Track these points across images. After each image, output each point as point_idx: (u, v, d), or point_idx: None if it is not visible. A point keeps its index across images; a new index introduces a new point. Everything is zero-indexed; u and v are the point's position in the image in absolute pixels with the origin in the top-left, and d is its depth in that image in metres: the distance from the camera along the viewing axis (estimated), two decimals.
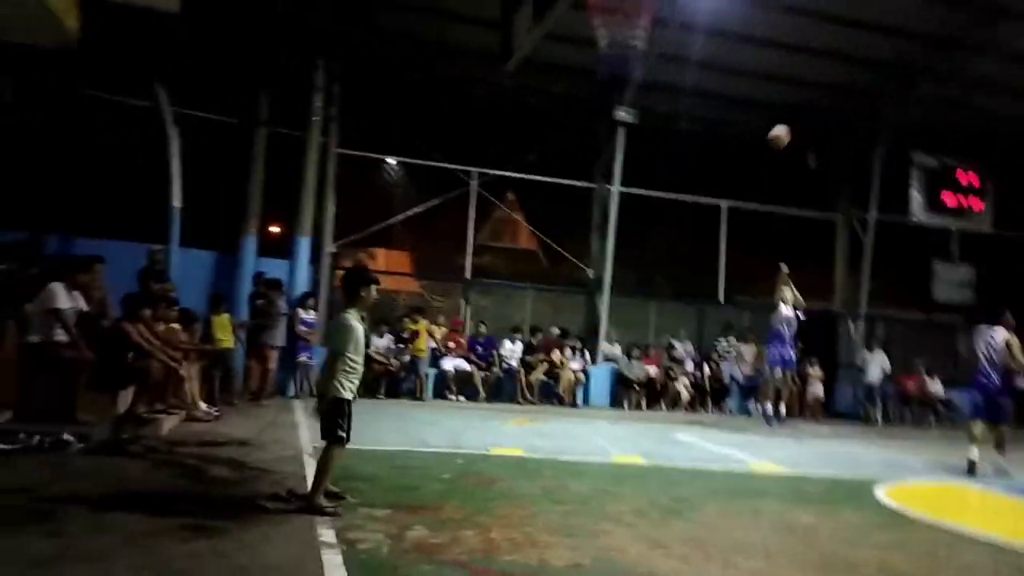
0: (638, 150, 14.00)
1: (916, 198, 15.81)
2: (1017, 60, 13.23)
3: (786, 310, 10.50)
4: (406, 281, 17.12)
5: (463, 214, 14.59)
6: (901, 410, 14.84)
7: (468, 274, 14.76)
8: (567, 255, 15.33)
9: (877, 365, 14.60)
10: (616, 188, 14.14)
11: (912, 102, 14.30)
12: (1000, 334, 7.87)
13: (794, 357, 11.03)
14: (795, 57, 13.50)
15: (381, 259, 18.15)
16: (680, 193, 15.60)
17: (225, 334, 10.02)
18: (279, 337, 11.18)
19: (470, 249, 14.71)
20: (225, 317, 10.14)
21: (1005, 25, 12.48)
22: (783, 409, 11.45)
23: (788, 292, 10.51)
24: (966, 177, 16.02)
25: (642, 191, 15.03)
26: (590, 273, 14.87)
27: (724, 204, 15.97)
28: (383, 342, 12.62)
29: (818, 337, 15.53)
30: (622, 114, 13.60)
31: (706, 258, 16.09)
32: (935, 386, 14.83)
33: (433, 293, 16.41)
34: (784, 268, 10.52)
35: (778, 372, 10.88)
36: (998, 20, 12.47)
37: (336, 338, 4.60)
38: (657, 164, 14.57)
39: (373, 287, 4.76)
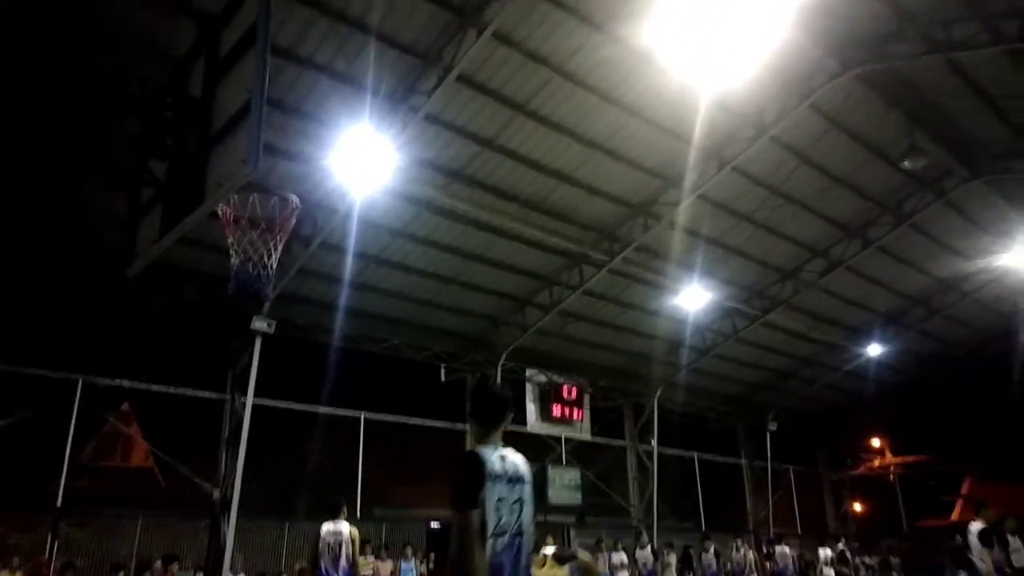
0: (278, 360, 13.63)
1: (531, 409, 17.94)
2: (593, 295, 16.33)
3: None
4: None
5: (61, 429, 12.40)
6: None
7: (60, 501, 12.28)
8: (188, 474, 13.73)
9: None
10: (250, 400, 13.39)
11: (525, 328, 16.44)
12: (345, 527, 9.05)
13: None
14: (429, 282, 14.95)
15: None
16: (319, 405, 15.38)
17: None
18: None
19: (65, 471, 12.39)
20: None
21: (587, 269, 15.45)
22: None
23: None
24: (569, 391, 18.67)
25: (278, 403, 14.47)
26: (215, 494, 13.42)
27: (364, 415, 16.09)
28: None
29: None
30: (259, 324, 13.26)
31: (345, 471, 15.72)
32: None
33: (10, 528, 13.16)
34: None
35: None
36: (581, 264, 15.46)
37: None
38: (297, 375, 14.29)
39: None
